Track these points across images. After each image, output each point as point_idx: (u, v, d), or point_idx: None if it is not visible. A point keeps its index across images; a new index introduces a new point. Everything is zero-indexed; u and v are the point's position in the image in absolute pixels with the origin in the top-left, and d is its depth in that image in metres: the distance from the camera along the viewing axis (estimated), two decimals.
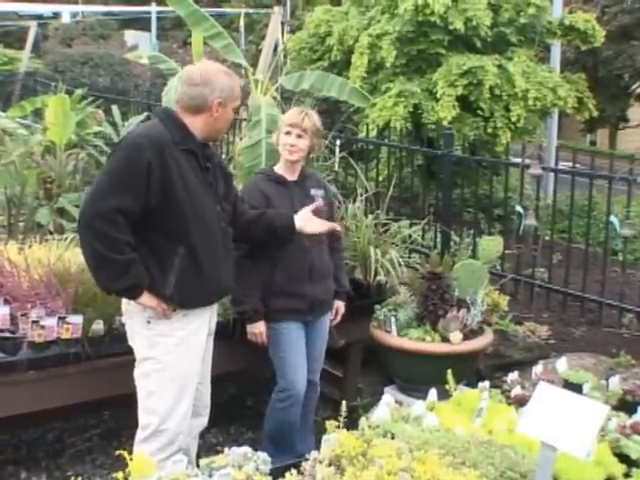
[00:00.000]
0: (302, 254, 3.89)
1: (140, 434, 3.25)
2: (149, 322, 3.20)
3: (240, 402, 4.93)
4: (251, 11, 22.24)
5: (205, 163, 3.28)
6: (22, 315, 3.63)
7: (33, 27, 16.89)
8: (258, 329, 3.91)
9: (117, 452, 2.59)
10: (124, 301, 3.28)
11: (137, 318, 3.23)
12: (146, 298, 3.13)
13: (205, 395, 3.54)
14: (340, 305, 4.23)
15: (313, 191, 4.03)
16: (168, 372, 3.21)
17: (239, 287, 3.79)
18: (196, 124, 3.22)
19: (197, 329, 3.30)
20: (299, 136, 3.92)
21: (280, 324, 3.90)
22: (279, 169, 4.04)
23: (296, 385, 3.88)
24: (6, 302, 3.76)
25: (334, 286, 4.14)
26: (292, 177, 4.02)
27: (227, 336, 3.99)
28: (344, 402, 2.77)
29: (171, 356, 3.21)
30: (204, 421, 3.57)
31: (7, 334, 3.59)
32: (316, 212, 3.96)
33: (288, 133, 3.93)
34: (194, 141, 3.22)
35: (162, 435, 3.21)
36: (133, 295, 3.15)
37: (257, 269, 3.88)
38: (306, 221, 3.70)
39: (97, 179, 3.20)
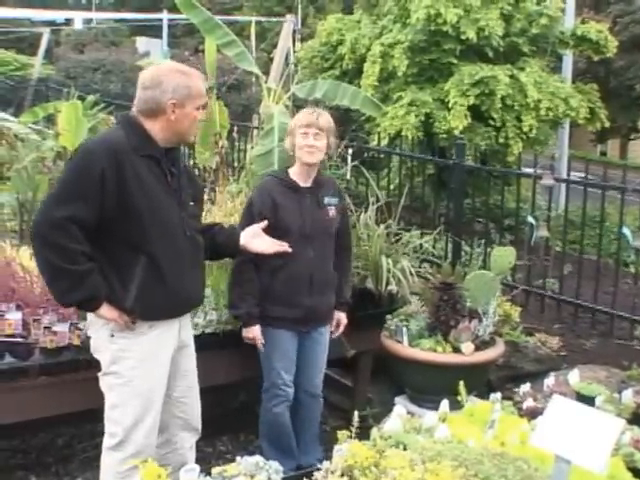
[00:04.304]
0: (304, 264, 3.82)
1: (107, 441, 3.15)
2: (112, 335, 3.06)
3: (250, 410, 4.90)
4: (262, 19, 22.26)
5: (169, 167, 3.11)
6: (34, 321, 3.62)
7: (46, 33, 16.95)
8: (252, 333, 3.88)
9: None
10: (89, 313, 3.13)
11: (101, 331, 3.09)
12: (106, 310, 2.99)
13: (194, 409, 3.40)
14: (341, 317, 4.13)
15: (327, 200, 3.94)
16: (131, 387, 3.08)
17: (236, 291, 3.88)
18: (155, 129, 3.08)
19: (162, 343, 3.14)
20: (317, 136, 3.81)
21: (273, 328, 3.89)
22: (293, 174, 3.93)
23: (278, 385, 3.91)
24: (18, 307, 3.77)
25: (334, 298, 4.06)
26: (306, 183, 3.91)
27: (237, 344, 3.99)
28: (356, 412, 2.76)
29: (135, 371, 3.07)
30: (197, 433, 3.45)
31: (19, 339, 3.59)
32: (327, 220, 3.94)
33: (305, 134, 3.81)
34: (155, 146, 3.07)
35: (128, 445, 3.10)
36: (91, 307, 3.01)
37: (257, 275, 3.85)
38: (251, 238, 3.54)
39: (51, 188, 3.04)
